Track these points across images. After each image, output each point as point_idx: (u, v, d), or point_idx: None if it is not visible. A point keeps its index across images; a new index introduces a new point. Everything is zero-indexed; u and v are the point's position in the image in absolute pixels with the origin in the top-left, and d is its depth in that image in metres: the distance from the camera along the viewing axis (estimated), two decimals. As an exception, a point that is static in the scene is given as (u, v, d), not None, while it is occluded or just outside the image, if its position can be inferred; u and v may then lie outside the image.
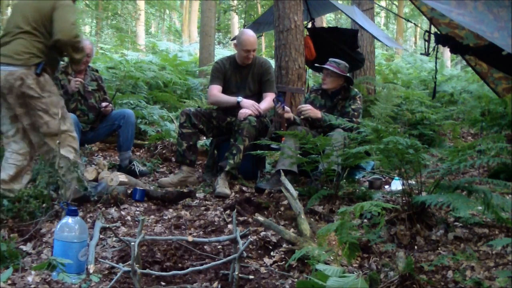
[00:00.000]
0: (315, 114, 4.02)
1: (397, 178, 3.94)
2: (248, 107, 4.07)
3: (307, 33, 6.05)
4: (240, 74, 4.32)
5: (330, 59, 4.24)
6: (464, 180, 3.20)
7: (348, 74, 4.22)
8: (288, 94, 5.00)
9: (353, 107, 4.08)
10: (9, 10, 14.21)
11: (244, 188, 4.04)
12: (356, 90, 4.23)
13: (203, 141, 5.28)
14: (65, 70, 4.41)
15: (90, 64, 4.65)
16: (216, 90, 4.26)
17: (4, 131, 3.34)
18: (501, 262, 2.47)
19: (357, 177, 4.23)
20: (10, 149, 3.31)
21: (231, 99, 4.18)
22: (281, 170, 3.65)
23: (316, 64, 4.75)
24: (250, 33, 4.33)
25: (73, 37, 3.18)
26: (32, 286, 2.23)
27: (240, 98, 4.14)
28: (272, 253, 2.70)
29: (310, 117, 4.05)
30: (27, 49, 3.20)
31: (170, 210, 3.49)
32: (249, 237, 2.59)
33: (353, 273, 2.25)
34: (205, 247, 2.75)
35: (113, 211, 3.33)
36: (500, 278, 2.21)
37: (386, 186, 4.12)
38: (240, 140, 3.94)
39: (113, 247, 2.76)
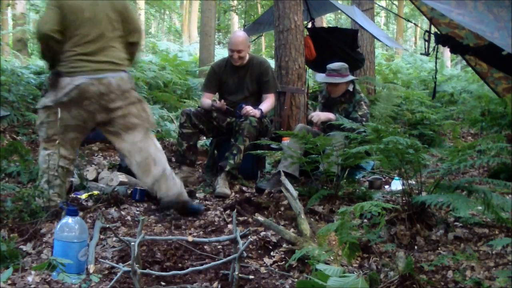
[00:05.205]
0: (325, 116, 4.08)
1: (397, 178, 3.94)
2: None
3: (307, 33, 6.05)
4: (238, 75, 4.31)
5: (328, 67, 4.20)
6: (464, 180, 3.20)
7: (350, 75, 4.20)
8: (288, 94, 5.00)
9: (360, 113, 4.07)
10: (9, 10, 14.18)
11: (244, 188, 4.04)
12: (361, 95, 4.19)
13: (203, 141, 5.28)
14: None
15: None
16: (207, 98, 4.33)
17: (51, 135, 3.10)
18: (501, 262, 2.47)
19: (357, 177, 4.23)
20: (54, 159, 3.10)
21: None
22: (281, 170, 3.65)
23: (318, 79, 4.71)
24: (238, 34, 4.38)
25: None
26: (32, 286, 2.23)
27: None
28: (272, 253, 2.69)
29: (322, 122, 4.11)
30: (124, 54, 3.15)
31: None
32: (249, 237, 2.58)
33: (353, 273, 2.25)
34: (205, 247, 2.75)
35: (113, 211, 3.32)
36: (500, 278, 2.21)
37: (386, 186, 4.12)
38: (240, 140, 3.94)
39: (113, 247, 2.76)
